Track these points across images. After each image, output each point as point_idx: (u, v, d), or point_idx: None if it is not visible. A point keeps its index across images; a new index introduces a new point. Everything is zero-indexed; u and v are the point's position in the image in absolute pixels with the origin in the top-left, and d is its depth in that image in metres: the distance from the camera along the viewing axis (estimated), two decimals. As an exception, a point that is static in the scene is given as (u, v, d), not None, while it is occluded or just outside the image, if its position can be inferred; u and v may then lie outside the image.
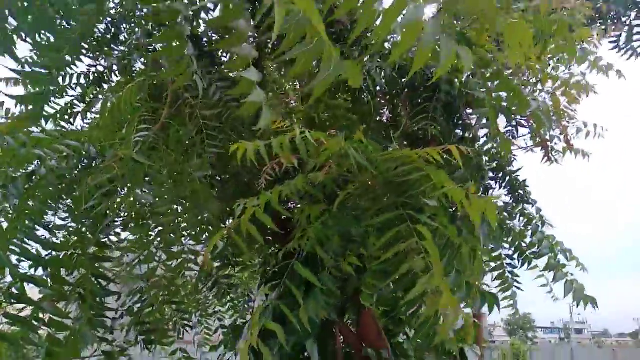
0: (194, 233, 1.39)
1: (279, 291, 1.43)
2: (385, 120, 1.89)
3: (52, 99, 2.98)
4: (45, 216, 1.50)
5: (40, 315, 1.39)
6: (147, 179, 1.31)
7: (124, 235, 1.71)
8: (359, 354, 2.56)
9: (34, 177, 1.37)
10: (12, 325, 1.47)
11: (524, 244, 1.80)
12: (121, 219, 1.47)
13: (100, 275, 1.37)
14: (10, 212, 1.49)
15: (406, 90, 1.65)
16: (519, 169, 1.86)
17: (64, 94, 3.00)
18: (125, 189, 1.32)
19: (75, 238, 1.47)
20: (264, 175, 1.23)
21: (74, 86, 2.97)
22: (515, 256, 1.79)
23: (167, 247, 1.38)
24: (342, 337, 2.61)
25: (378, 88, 1.63)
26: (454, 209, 1.36)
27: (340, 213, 1.29)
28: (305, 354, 2.43)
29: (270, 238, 2.36)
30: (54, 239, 1.46)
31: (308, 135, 1.16)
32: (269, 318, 1.29)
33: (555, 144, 1.80)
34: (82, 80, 2.91)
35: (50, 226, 1.54)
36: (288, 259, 1.50)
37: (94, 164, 1.42)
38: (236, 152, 1.19)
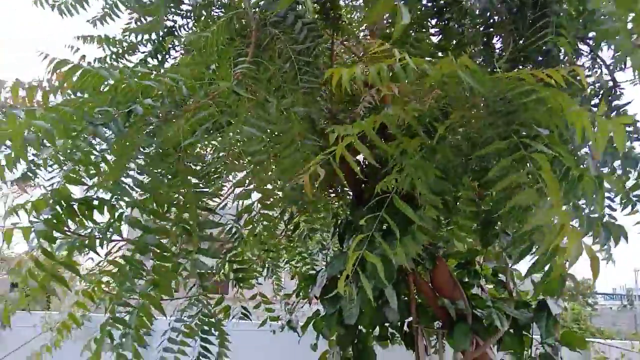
0: (285, 168, 1.37)
1: (371, 228, 1.39)
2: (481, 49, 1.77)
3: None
4: (138, 158, 1.54)
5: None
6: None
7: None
8: (433, 304, 2.54)
9: (131, 117, 1.40)
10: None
11: (626, 187, 1.66)
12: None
13: (205, 208, 1.40)
14: (109, 152, 1.54)
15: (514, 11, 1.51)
16: (628, 103, 1.70)
17: (137, 50, 3.08)
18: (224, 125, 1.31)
19: (174, 178, 1.49)
20: (362, 103, 1.18)
21: (145, 42, 3.04)
22: (617, 199, 1.65)
23: (261, 185, 1.39)
24: (415, 287, 2.59)
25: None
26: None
27: (440, 147, 1.22)
28: (380, 301, 2.45)
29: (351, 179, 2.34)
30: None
31: (409, 60, 1.09)
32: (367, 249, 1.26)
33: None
34: (153, 36, 2.97)
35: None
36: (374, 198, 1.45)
37: (186, 104, 1.43)
38: (330, 78, 1.14)
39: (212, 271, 1.79)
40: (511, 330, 2.52)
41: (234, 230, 1.72)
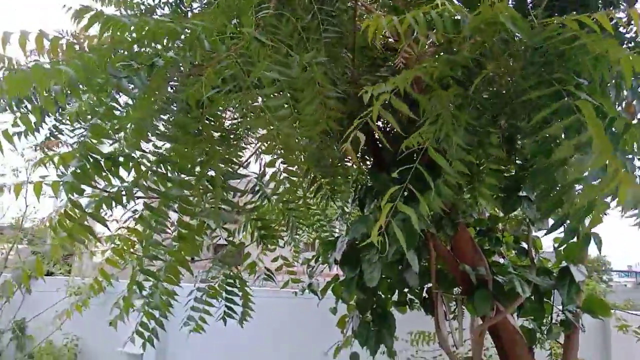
0: (309, 127, 1.35)
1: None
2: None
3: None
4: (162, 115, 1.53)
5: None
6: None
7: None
8: (454, 270, 2.53)
9: (153, 71, 1.39)
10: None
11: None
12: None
13: (228, 160, 1.39)
14: (133, 107, 1.53)
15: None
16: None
17: (154, 13, 3.04)
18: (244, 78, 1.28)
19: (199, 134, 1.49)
20: (400, 54, 1.14)
21: (163, 5, 3.00)
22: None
23: (285, 142, 1.37)
24: (435, 253, 2.57)
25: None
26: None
27: (474, 98, 1.18)
28: (400, 266, 2.45)
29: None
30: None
31: (448, 5, 1.05)
32: (401, 200, 1.23)
33: None
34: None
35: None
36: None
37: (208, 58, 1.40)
38: (366, 30, 1.10)
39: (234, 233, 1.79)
40: (532, 297, 2.51)
41: (257, 188, 1.72)
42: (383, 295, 2.72)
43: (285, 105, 1.39)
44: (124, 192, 1.57)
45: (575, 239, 2.64)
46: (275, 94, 1.43)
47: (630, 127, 0.94)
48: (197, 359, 5.05)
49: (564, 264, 2.46)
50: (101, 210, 1.55)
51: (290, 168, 1.51)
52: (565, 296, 2.41)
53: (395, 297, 2.83)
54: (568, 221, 1.28)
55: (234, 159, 1.48)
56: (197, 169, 1.45)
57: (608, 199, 1.04)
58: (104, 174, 1.53)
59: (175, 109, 1.52)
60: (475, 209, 2.93)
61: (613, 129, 0.97)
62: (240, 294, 2.10)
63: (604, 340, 3.97)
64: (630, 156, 1.04)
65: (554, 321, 2.52)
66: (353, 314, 2.72)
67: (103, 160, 1.50)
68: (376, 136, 2.58)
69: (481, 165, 1.67)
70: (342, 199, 2.51)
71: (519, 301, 2.37)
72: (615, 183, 0.83)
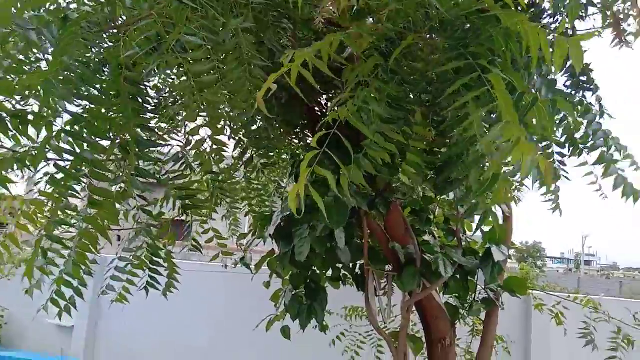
0: (235, 94, 1.31)
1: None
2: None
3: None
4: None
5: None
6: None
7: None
8: (385, 248, 2.59)
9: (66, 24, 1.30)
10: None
11: (577, 136, 1.69)
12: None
13: (144, 125, 1.33)
14: (44, 63, 1.43)
15: None
16: (584, 51, 1.69)
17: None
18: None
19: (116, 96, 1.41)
20: (321, 14, 1.12)
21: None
22: (567, 145, 1.68)
23: (211, 108, 1.32)
24: (369, 231, 2.62)
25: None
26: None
27: (395, 69, 1.19)
28: (331, 244, 2.48)
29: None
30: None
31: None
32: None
33: (629, 25, 1.61)
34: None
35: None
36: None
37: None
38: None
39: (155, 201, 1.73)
40: (457, 276, 2.62)
41: (180, 156, 1.66)
42: (318, 271, 2.75)
43: (212, 72, 1.34)
44: (33, 153, 1.48)
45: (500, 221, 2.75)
46: (202, 60, 1.38)
47: (536, 101, 0.97)
48: (130, 332, 4.95)
49: (488, 245, 2.58)
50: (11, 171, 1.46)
51: (217, 138, 1.47)
52: (488, 276, 2.53)
53: (330, 274, 2.87)
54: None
55: (153, 126, 1.42)
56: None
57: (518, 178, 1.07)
58: (11, 133, 1.44)
59: (93, 68, 1.43)
60: (411, 190, 3.01)
61: (522, 103, 1.00)
62: (165, 265, 2.06)
63: (526, 318, 4.25)
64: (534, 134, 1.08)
65: (476, 299, 2.64)
66: (286, 288, 2.74)
67: (10, 118, 1.41)
68: (316, 111, 2.58)
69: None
70: (276, 173, 2.49)
71: (444, 279, 2.46)
72: (517, 155, 0.85)
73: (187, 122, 1.44)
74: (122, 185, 1.56)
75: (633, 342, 2.59)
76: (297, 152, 2.60)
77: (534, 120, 1.01)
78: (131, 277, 2.08)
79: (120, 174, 1.37)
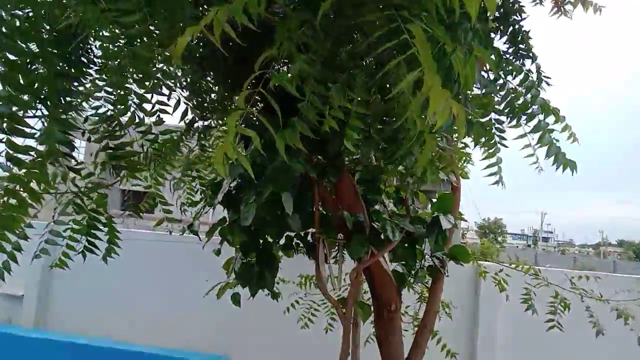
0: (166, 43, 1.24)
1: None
2: None
3: None
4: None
5: None
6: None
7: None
8: (336, 216, 2.61)
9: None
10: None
11: (517, 104, 1.72)
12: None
13: (64, 74, 1.26)
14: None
15: None
16: (525, 18, 1.71)
17: None
18: None
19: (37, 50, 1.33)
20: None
21: None
22: (505, 112, 1.71)
23: (139, 61, 1.26)
24: (320, 199, 2.62)
25: None
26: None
27: (324, 23, 1.16)
28: (281, 212, 2.47)
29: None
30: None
31: None
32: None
33: (568, -5, 1.63)
34: None
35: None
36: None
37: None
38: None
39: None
40: (405, 244, 2.67)
41: (109, 113, 1.59)
42: (271, 240, 2.75)
43: (139, 21, 1.27)
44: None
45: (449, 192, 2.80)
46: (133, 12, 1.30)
47: (455, 50, 0.96)
48: (81, 301, 4.87)
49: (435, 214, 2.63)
50: None
51: (146, 95, 1.41)
52: (433, 243, 2.60)
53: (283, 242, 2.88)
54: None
55: (77, 77, 1.34)
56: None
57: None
58: None
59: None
60: (365, 159, 3.02)
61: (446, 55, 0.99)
62: (105, 229, 2.00)
63: (475, 286, 4.41)
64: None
65: (422, 266, 2.70)
66: (237, 255, 2.73)
67: None
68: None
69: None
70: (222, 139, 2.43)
71: (391, 245, 2.51)
72: (434, 106, 0.84)
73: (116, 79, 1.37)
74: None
75: (569, 304, 2.73)
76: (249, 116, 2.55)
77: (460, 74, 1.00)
78: (71, 242, 2.02)
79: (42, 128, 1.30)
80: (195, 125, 2.33)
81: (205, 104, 2.09)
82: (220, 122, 2.30)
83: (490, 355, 4.28)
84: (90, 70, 1.61)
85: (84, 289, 4.90)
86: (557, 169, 1.71)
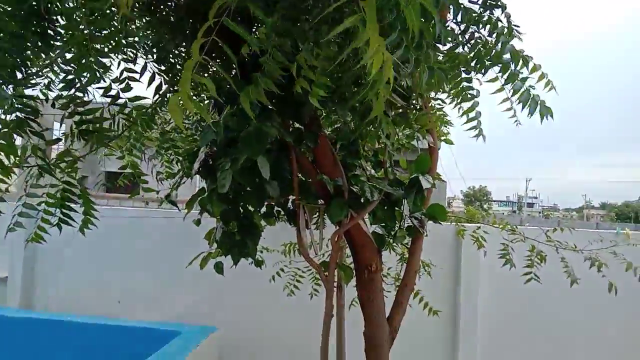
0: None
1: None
2: None
3: None
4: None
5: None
6: None
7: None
8: (315, 182, 2.61)
9: None
10: None
11: (485, 54, 1.71)
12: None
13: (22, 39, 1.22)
14: None
15: None
16: (492, -33, 1.69)
17: None
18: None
19: None
20: None
21: None
22: (474, 64, 1.71)
23: (98, 21, 1.22)
24: (299, 166, 2.62)
25: None
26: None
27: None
28: (260, 181, 2.47)
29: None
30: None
31: None
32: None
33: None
34: None
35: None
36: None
37: None
38: None
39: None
40: (385, 207, 2.70)
41: (73, 78, 1.55)
42: (252, 209, 2.75)
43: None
44: None
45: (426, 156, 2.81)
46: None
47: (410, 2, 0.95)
48: (67, 280, 4.87)
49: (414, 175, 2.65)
50: None
51: (103, 59, 1.37)
52: (412, 204, 2.63)
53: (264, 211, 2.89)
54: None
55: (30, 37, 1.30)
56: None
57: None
58: None
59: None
60: (344, 124, 3.02)
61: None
62: (80, 201, 1.99)
63: (457, 247, 4.51)
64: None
65: (402, 227, 2.74)
66: (218, 225, 2.74)
67: None
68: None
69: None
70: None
71: (370, 207, 2.53)
72: (377, 64, 0.84)
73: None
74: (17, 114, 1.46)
75: (545, 257, 2.81)
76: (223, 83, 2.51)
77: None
78: (46, 216, 2.00)
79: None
80: (168, 95, 2.29)
81: (175, 71, 2.05)
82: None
83: (472, 313, 4.42)
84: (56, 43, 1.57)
85: (68, 269, 4.89)
86: (530, 115, 1.73)
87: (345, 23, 0.88)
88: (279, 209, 3.00)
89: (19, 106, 1.25)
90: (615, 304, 3.17)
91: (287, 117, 2.39)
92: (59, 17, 1.62)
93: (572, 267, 2.67)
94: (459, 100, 1.84)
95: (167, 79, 1.92)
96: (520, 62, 1.65)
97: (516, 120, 1.97)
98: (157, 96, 1.98)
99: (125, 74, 1.79)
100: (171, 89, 2.10)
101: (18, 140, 1.75)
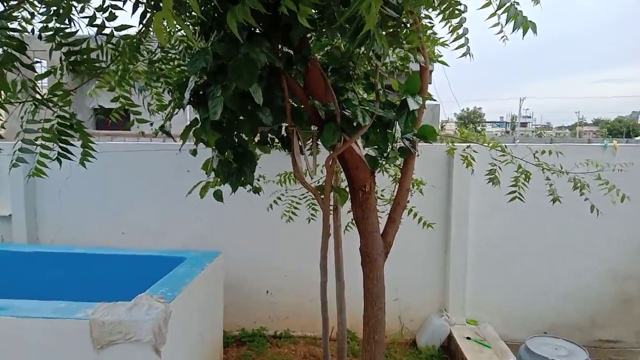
0: None
1: None
2: None
3: None
4: None
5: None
6: None
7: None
8: (307, 107, 2.63)
9: None
10: None
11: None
12: None
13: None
14: None
15: None
16: None
17: None
18: None
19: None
20: None
21: None
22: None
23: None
24: (290, 92, 2.63)
25: None
26: None
27: None
28: (252, 108, 2.48)
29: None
30: None
31: None
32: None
33: None
34: None
35: None
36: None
37: None
38: None
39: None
40: (377, 130, 2.74)
41: (59, 9, 1.51)
42: (246, 137, 2.79)
43: None
44: None
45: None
46: None
47: None
48: (69, 218, 5.00)
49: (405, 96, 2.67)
50: None
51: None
52: (403, 124, 2.67)
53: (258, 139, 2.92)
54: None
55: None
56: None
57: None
58: None
59: None
60: (336, 50, 2.98)
61: None
62: (77, 135, 2.02)
63: (448, 164, 4.64)
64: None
65: (394, 148, 2.80)
66: (214, 154, 2.79)
67: None
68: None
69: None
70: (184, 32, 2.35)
71: (362, 130, 2.57)
72: None
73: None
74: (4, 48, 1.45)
75: (530, 175, 2.92)
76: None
77: None
78: (44, 150, 2.04)
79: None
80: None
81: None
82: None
83: (463, 229, 4.63)
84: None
85: (70, 205, 5.00)
86: (514, 31, 1.73)
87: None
88: (273, 136, 3.04)
89: (5, 40, 1.24)
90: (605, 214, 3.30)
91: (276, 41, 2.36)
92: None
93: (554, 186, 2.78)
94: (447, 15, 1.82)
95: (152, 4, 1.87)
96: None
97: (503, 36, 1.98)
98: (141, 25, 1.94)
99: (108, 2, 1.75)
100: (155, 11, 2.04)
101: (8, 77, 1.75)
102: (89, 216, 4.99)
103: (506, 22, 1.73)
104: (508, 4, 1.71)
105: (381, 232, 2.86)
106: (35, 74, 1.86)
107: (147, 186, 4.95)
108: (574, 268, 4.75)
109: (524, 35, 1.74)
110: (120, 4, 1.77)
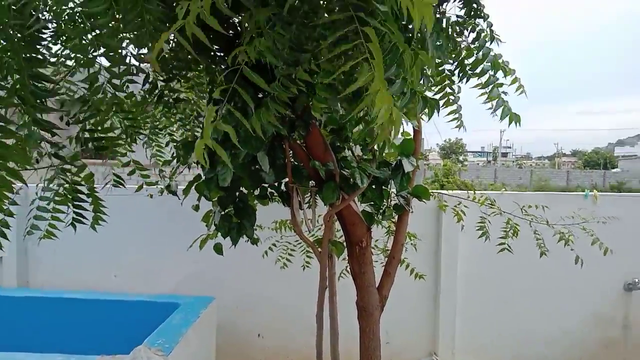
0: (135, 35, 1.29)
1: (227, 98, 1.43)
2: None
3: None
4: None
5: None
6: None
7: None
8: (307, 166, 2.76)
9: None
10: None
11: (467, 62, 1.85)
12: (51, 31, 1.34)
13: (39, 75, 1.30)
14: None
15: None
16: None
17: None
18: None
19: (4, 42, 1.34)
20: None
21: None
22: (456, 72, 1.85)
23: (108, 52, 1.30)
24: (291, 152, 2.76)
25: None
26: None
27: (291, 18, 1.24)
28: (256, 166, 2.60)
29: (218, 52, 2.27)
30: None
31: None
32: (221, 120, 1.31)
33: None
34: None
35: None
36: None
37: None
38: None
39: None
40: (373, 186, 2.88)
41: (86, 97, 1.63)
42: (245, 191, 2.89)
43: (105, 11, 1.30)
44: None
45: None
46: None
47: (405, 52, 1.09)
48: (62, 261, 4.98)
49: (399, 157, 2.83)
50: None
51: (115, 82, 1.45)
52: (398, 185, 2.82)
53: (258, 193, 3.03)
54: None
55: (46, 74, 1.37)
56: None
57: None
58: None
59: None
60: (335, 112, 3.13)
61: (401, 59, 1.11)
62: (89, 200, 2.10)
63: (437, 218, 4.79)
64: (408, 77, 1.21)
65: (389, 205, 2.94)
66: (215, 209, 2.88)
67: None
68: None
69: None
70: (189, 108, 2.48)
71: (360, 190, 2.71)
72: (380, 104, 0.98)
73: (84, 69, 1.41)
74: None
75: (518, 231, 3.07)
76: (216, 76, 2.58)
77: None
78: (55, 214, 2.12)
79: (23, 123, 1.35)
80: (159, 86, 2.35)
81: (169, 66, 2.11)
82: (183, 81, 2.34)
83: (452, 275, 4.75)
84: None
85: (63, 247, 4.98)
86: (501, 120, 1.90)
87: (359, 81, 1.01)
88: (272, 191, 3.14)
89: (38, 135, 1.34)
90: (590, 261, 3.45)
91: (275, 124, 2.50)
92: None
93: (542, 239, 2.94)
94: (443, 103, 1.98)
95: (164, 73, 2.00)
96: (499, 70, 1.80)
97: (493, 113, 2.16)
98: (152, 96, 2.06)
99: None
100: (165, 91, 2.16)
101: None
102: (79, 259, 4.97)
103: (493, 111, 1.90)
104: (495, 95, 1.88)
105: (377, 284, 2.96)
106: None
107: (137, 228, 4.97)
108: (560, 312, 4.88)
109: (509, 125, 1.91)
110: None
